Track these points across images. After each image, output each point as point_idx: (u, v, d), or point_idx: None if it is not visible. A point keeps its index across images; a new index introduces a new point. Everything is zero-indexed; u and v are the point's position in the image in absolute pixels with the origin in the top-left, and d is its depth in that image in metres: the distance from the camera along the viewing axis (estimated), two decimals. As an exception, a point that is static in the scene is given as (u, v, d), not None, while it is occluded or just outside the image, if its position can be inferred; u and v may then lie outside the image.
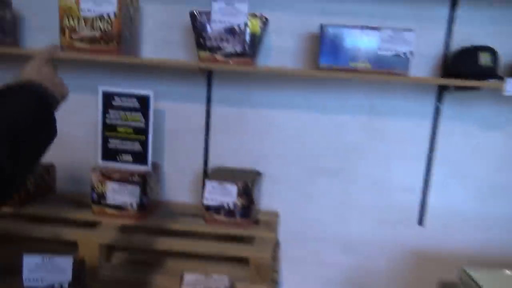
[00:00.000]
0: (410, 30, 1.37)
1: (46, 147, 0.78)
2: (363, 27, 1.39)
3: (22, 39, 1.67)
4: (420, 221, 1.67)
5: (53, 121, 0.80)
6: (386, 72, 1.40)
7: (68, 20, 1.41)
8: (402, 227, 1.67)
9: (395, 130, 1.62)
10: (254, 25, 1.40)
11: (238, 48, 1.41)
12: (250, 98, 1.65)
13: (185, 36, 1.62)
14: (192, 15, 1.42)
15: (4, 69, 1.59)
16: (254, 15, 1.40)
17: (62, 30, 1.41)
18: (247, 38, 1.40)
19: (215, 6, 1.39)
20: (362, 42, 1.39)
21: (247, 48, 1.41)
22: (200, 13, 1.41)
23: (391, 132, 1.63)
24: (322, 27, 1.40)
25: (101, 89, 1.53)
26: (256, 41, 1.41)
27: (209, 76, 1.64)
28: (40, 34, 1.66)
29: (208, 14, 1.40)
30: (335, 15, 1.55)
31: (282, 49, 1.60)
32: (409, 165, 1.64)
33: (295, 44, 1.60)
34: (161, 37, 1.64)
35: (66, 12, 1.40)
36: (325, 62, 1.41)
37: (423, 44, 1.52)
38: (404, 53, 1.38)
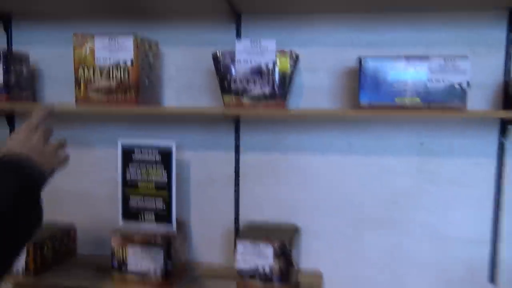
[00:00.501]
0: (464, 57, 1.19)
1: (27, 238, 0.63)
2: (408, 57, 1.21)
3: (40, 92, 1.60)
4: (492, 279, 1.40)
5: (37, 206, 0.65)
6: (440, 107, 1.20)
7: (84, 71, 1.31)
8: (470, 286, 1.41)
9: (452, 172, 1.40)
10: (284, 63, 1.25)
11: (267, 90, 1.26)
12: (282, 143, 1.49)
13: (208, 79, 1.49)
14: (215, 57, 1.29)
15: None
16: (283, 52, 1.25)
17: (77, 82, 1.31)
18: (277, 78, 1.25)
19: (240, 45, 1.26)
20: (408, 74, 1.21)
21: (276, 89, 1.26)
22: (223, 54, 1.28)
23: (447, 174, 1.41)
24: (360, 60, 1.23)
25: (120, 142, 1.40)
26: (286, 81, 1.26)
27: (236, 122, 1.49)
28: (57, 86, 1.57)
29: (232, 54, 1.27)
30: (373, 45, 1.39)
31: (315, 87, 1.44)
32: (473, 212, 1.40)
33: (330, 81, 1.44)
34: (183, 82, 1.52)
35: (81, 63, 1.31)
36: (366, 99, 1.24)
37: (478, 72, 1.32)
38: (459, 84, 1.19)
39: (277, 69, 1.25)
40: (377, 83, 1.23)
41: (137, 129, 1.55)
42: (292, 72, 1.27)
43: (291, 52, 1.25)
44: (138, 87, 1.30)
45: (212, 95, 1.50)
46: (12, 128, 1.61)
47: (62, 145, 0.81)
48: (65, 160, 0.79)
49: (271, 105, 1.27)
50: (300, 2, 1.30)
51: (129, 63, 1.28)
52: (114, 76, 1.29)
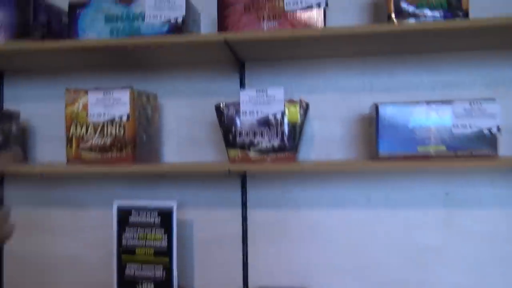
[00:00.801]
0: (491, 100, 1.09)
1: None
2: (429, 102, 1.11)
3: (31, 150, 1.49)
4: None
5: None
6: (468, 154, 1.08)
7: (76, 128, 1.20)
8: None
9: (483, 225, 1.26)
10: (293, 113, 1.15)
11: (276, 143, 1.15)
12: (293, 198, 1.36)
13: (212, 132, 1.39)
14: (218, 108, 1.19)
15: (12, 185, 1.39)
16: (292, 101, 1.16)
17: (69, 140, 1.21)
18: (286, 129, 1.15)
19: (244, 96, 1.16)
20: (431, 120, 1.10)
21: (286, 141, 1.15)
22: (226, 105, 1.18)
23: (478, 227, 1.27)
24: (376, 106, 1.13)
25: (116, 204, 1.28)
26: (296, 131, 1.15)
27: (242, 177, 1.37)
28: (50, 144, 1.47)
29: (236, 105, 1.17)
30: (388, 90, 1.30)
31: (327, 137, 1.34)
32: (509, 272, 1.25)
33: (343, 129, 1.33)
34: (184, 136, 1.42)
35: (73, 120, 1.21)
36: (385, 149, 1.12)
37: (505, 115, 1.22)
38: (489, 130, 1.08)
39: (286, 120, 1.15)
40: (397, 131, 1.12)
41: (134, 188, 1.43)
42: (303, 122, 1.16)
43: (300, 101, 1.16)
44: (135, 143, 1.19)
45: (216, 148, 1.39)
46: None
47: (5, 218, 0.70)
48: (9, 233, 0.68)
49: (281, 159, 1.15)
50: (306, 48, 1.22)
51: (125, 118, 1.18)
52: (108, 132, 1.19)
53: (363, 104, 1.30)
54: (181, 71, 1.41)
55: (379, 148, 1.12)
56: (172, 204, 1.26)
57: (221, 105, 1.19)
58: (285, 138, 1.15)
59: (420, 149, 1.10)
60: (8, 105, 1.49)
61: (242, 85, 1.37)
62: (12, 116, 1.38)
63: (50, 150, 1.48)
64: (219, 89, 1.38)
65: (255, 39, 1.13)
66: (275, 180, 1.37)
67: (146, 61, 1.37)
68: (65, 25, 1.34)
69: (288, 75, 1.35)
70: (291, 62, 1.35)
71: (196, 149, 1.41)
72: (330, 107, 1.33)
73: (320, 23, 1.15)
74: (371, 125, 1.20)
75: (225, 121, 1.18)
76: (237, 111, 1.17)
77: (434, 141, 1.10)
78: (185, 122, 1.42)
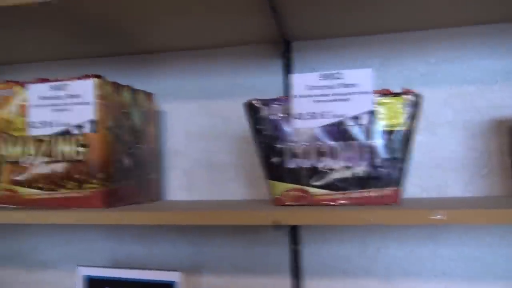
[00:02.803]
0: None
1: None
2: None
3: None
4: None
5: None
6: None
7: (7, 147, 0.70)
8: None
9: None
10: (393, 113, 0.61)
11: (360, 168, 0.61)
12: (385, 259, 0.81)
13: (239, 151, 0.87)
14: (250, 108, 0.66)
15: None
16: (389, 93, 0.62)
17: (-2, 168, 0.71)
18: (379, 142, 0.61)
19: (299, 83, 0.63)
20: None
21: (379, 165, 0.61)
22: (266, 103, 0.65)
23: None
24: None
25: (81, 272, 0.76)
26: (399, 146, 0.61)
27: (292, 229, 0.82)
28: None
29: (284, 102, 0.64)
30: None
31: (439, 157, 0.79)
32: None
33: (465, 144, 0.78)
34: (196, 158, 0.90)
35: (2, 133, 0.71)
36: None
37: None
38: None
39: (378, 126, 0.61)
40: None
41: (113, 241, 0.92)
42: (411, 129, 0.62)
43: (406, 92, 0.62)
44: (108, 172, 0.68)
45: (248, 177, 0.86)
46: None
47: None
48: None
49: (371, 199, 0.61)
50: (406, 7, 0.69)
51: (87, 129, 0.67)
52: (60, 154, 0.68)
53: (498, 102, 0.75)
54: (191, 58, 0.91)
55: None
56: (175, 276, 0.73)
57: (255, 104, 0.66)
58: (378, 160, 0.61)
59: None
60: None
61: (287, 70, 0.85)
62: None
63: None
64: (252, 84, 0.87)
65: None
66: (352, 230, 0.82)
67: (135, 42, 0.87)
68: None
69: (363, 57, 0.83)
70: (372, 40, 0.83)
71: (215, 181, 0.88)
72: (443, 107, 0.79)
73: None
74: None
75: (262, 131, 0.65)
76: (286, 113, 0.64)
77: None
78: (197, 137, 0.90)
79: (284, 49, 0.85)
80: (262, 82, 0.87)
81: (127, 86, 0.75)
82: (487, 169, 0.77)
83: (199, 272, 0.88)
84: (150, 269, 0.77)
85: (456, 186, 0.78)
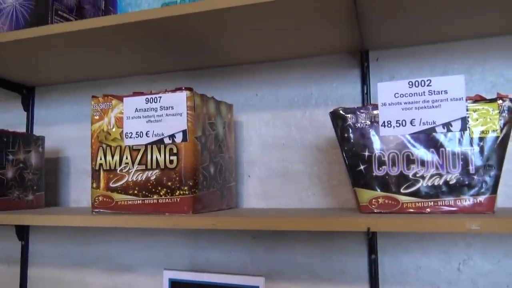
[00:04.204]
0: None
1: None
2: None
3: (59, 189, 1.08)
4: None
5: None
6: None
7: (105, 156, 0.76)
8: None
9: None
10: (487, 119, 0.60)
11: (452, 176, 0.60)
12: (456, 273, 0.78)
13: (321, 160, 0.88)
14: (336, 117, 0.68)
15: None
16: (482, 99, 0.61)
17: (95, 175, 0.76)
18: (472, 150, 0.60)
19: (386, 91, 0.64)
20: None
21: (472, 172, 0.60)
22: (352, 111, 0.66)
23: None
24: None
25: (167, 275, 0.80)
26: (493, 154, 0.60)
27: (371, 238, 0.82)
28: (77, 180, 1.05)
29: (370, 111, 0.65)
30: None
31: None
32: None
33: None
34: (274, 167, 0.92)
35: (101, 143, 0.76)
36: None
37: None
38: None
39: (472, 132, 0.60)
40: None
41: (195, 247, 0.95)
42: (506, 135, 0.61)
43: (501, 98, 0.60)
44: (196, 180, 0.71)
45: (323, 188, 0.87)
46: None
47: None
48: None
49: (465, 207, 0.60)
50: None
51: (179, 139, 0.71)
52: (154, 163, 0.72)
53: None
54: (268, 69, 0.94)
55: None
56: (258, 281, 0.75)
57: (342, 112, 0.67)
58: (472, 168, 0.60)
59: None
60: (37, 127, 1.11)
61: (365, 86, 0.85)
62: (33, 142, 0.98)
63: (78, 188, 1.06)
64: (327, 94, 0.88)
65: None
66: (434, 239, 0.80)
67: (218, 57, 0.91)
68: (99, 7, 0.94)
69: (443, 64, 0.81)
70: (451, 46, 0.82)
71: (290, 188, 0.90)
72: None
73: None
74: None
75: (350, 140, 0.66)
76: (373, 121, 0.65)
77: None
78: (273, 147, 0.92)
79: (361, 58, 0.86)
80: (338, 91, 0.88)
81: (212, 97, 0.79)
82: None
83: (276, 278, 0.89)
84: (233, 273, 0.79)
85: (549, 196, 0.74)
